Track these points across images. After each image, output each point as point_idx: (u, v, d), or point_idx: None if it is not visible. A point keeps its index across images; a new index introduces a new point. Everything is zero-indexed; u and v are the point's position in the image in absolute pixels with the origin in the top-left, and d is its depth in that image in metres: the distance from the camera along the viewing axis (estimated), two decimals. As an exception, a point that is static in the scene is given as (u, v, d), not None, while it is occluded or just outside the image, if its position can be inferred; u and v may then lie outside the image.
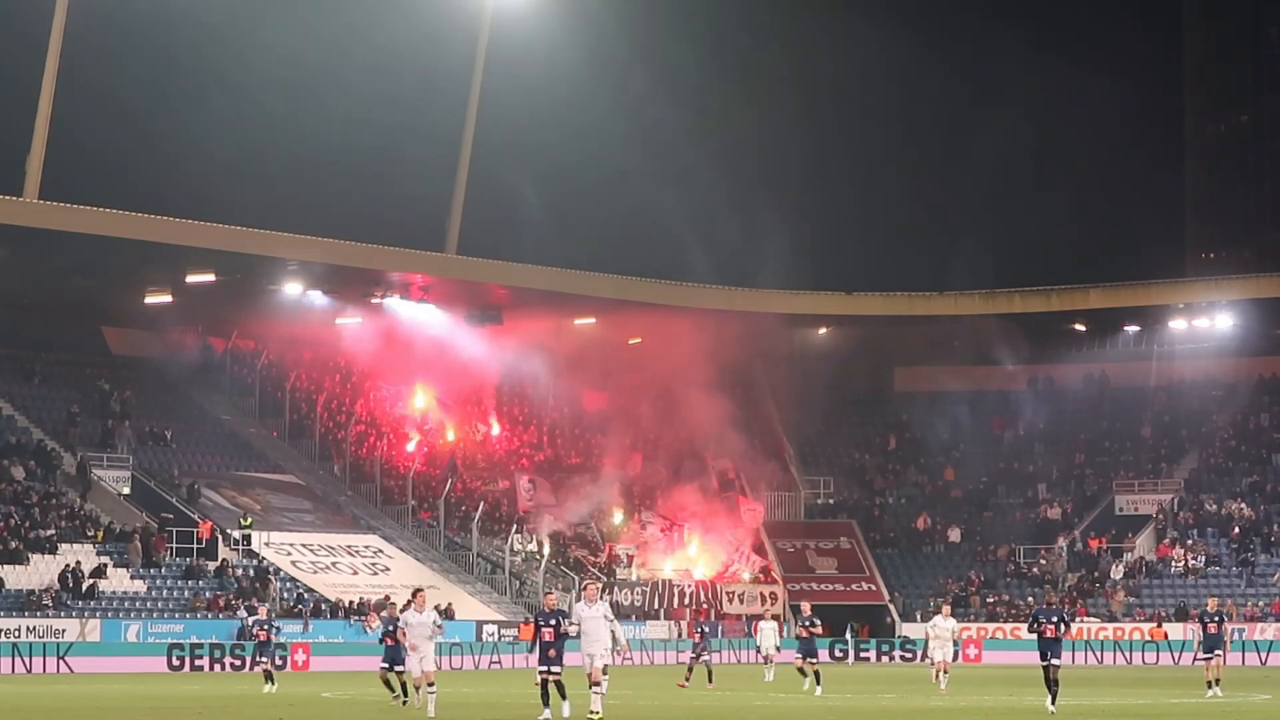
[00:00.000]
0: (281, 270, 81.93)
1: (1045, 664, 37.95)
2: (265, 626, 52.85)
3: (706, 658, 53.72)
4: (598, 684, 35.14)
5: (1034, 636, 38.20)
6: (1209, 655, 47.36)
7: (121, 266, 79.05)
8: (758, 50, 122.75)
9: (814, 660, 49.44)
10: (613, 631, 48.87)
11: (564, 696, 35.40)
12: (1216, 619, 47.80)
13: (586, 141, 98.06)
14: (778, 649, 58.96)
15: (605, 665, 35.74)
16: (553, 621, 35.64)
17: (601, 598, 36.81)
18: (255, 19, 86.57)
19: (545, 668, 35.40)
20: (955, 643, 52.45)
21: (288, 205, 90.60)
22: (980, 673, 61.70)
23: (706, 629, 56.77)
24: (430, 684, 37.15)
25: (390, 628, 40.94)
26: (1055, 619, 38.21)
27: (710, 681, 52.27)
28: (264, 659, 51.80)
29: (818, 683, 49.75)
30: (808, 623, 50.18)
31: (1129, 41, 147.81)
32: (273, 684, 49.53)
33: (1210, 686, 46.76)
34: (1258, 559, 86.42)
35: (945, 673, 50.03)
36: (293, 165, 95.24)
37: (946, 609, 53.70)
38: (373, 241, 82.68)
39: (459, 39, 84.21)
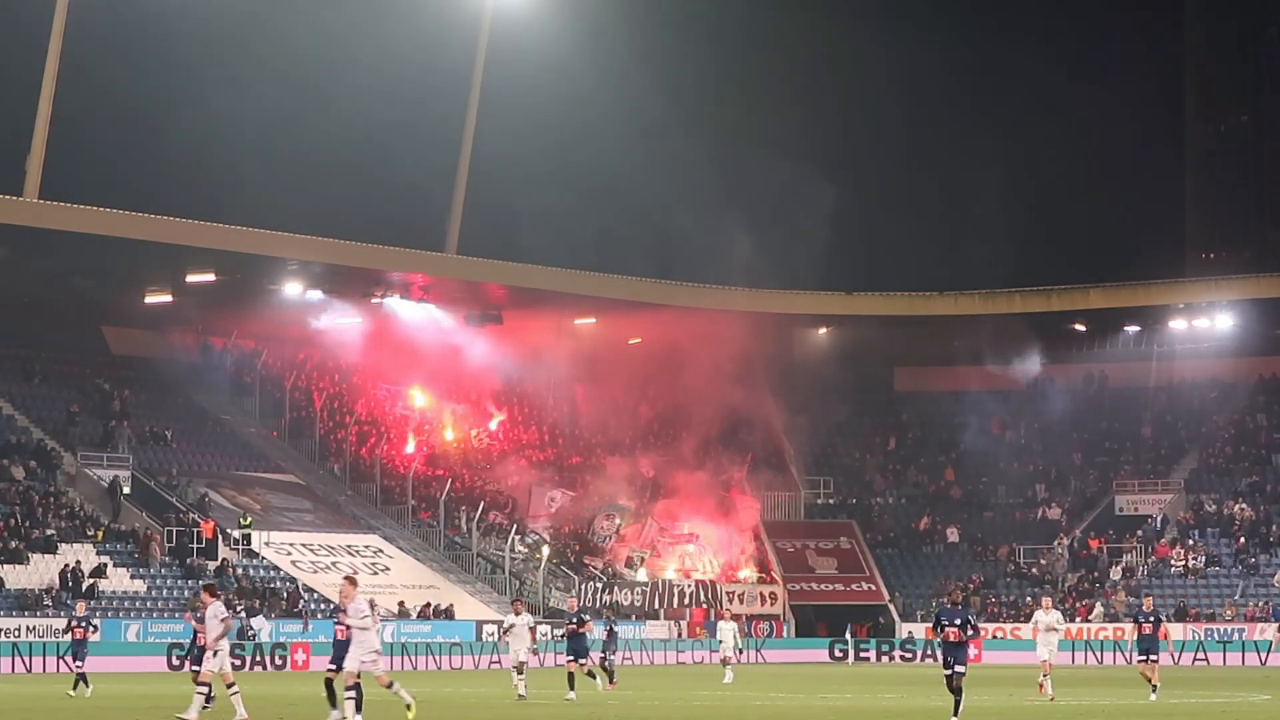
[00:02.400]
0: (281, 270, 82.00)
1: (949, 671, 34.23)
2: (82, 624, 48.98)
3: (611, 657, 51.34)
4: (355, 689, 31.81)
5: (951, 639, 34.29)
6: (1144, 656, 45.56)
7: (121, 266, 79.13)
8: (759, 51, 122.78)
9: (584, 661, 45.28)
10: (533, 630, 47.88)
11: (359, 708, 32.01)
12: (1152, 619, 45.94)
13: (586, 141, 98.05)
14: (739, 650, 58.22)
15: (383, 673, 31.76)
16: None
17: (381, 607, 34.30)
18: (255, 19, 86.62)
19: (334, 666, 32.73)
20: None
21: (288, 205, 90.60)
22: (980, 673, 61.52)
23: (615, 628, 54.43)
24: (225, 685, 34.18)
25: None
26: (960, 621, 34.39)
27: (612, 682, 49.78)
28: (79, 661, 47.90)
29: (611, 681, 48.61)
30: (575, 619, 45.79)
31: (1129, 42, 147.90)
32: (87, 687, 46.41)
33: (1154, 689, 44.94)
34: (1258, 559, 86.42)
35: (1047, 675, 45.29)
36: (293, 165, 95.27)
37: (1048, 601, 49.16)
38: (373, 241, 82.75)
39: (459, 39, 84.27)
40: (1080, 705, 42.58)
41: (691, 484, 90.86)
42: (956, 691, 34.14)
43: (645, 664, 76.33)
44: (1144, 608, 48.25)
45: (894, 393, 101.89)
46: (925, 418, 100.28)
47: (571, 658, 45.04)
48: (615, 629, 54.08)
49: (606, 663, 50.73)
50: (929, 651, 79.65)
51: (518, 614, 46.80)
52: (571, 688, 44.02)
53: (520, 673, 44.49)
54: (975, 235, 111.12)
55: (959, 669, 34.08)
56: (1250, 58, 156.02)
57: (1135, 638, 46.82)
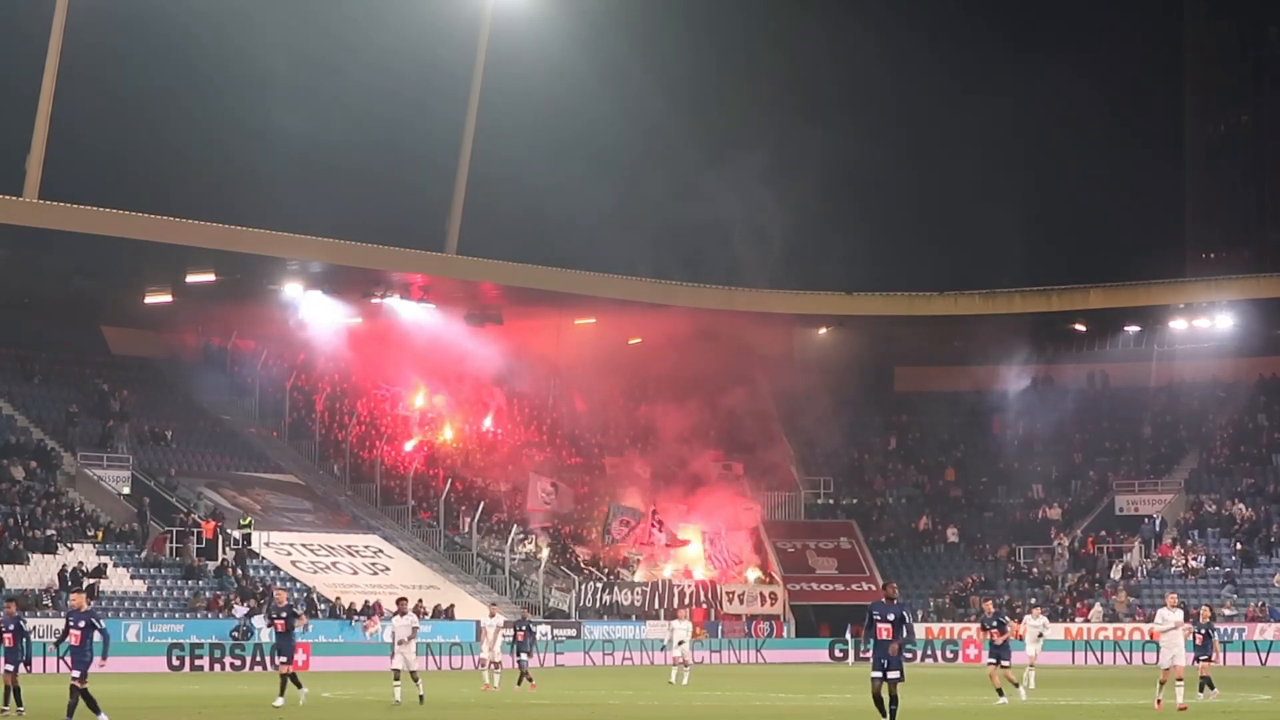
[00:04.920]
0: (281, 270, 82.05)
1: (879, 674, 30.19)
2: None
3: (524, 658, 50.85)
4: None
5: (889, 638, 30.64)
6: (994, 661, 43.86)
7: (121, 266, 79.17)
8: (757, 49, 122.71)
9: (285, 660, 41.50)
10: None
11: (89, 708, 31.48)
12: (997, 624, 44.28)
13: (586, 141, 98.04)
14: (679, 644, 56.39)
15: None
16: (81, 623, 32.49)
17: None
18: (255, 19, 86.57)
19: (76, 673, 32.27)
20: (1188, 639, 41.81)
21: (288, 205, 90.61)
22: (980, 672, 61.44)
23: (531, 627, 53.25)
24: None
25: (10, 628, 37.84)
26: (894, 618, 30.19)
27: (530, 682, 49.85)
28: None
29: (518, 680, 49.03)
30: (282, 614, 42.03)
31: (1129, 41, 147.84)
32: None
33: (1000, 695, 43.31)
34: (1257, 559, 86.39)
35: (1180, 680, 39.78)
36: (293, 165, 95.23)
37: (1173, 598, 42.09)
38: (373, 241, 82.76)
39: (459, 39, 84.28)
40: (1080, 705, 42.55)
41: (691, 484, 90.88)
42: (893, 701, 30.12)
43: (645, 664, 76.28)
44: (986, 612, 45.94)
45: (894, 393, 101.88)
46: (925, 418, 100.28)
47: (284, 659, 41.53)
48: (532, 629, 53.28)
49: (522, 663, 50.68)
50: (928, 651, 79.75)
51: (491, 616, 50.67)
52: (282, 692, 40.89)
53: (496, 669, 47.70)
54: (975, 235, 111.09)
55: (892, 674, 30.06)
56: (1250, 58, 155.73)
57: (988, 646, 44.40)
